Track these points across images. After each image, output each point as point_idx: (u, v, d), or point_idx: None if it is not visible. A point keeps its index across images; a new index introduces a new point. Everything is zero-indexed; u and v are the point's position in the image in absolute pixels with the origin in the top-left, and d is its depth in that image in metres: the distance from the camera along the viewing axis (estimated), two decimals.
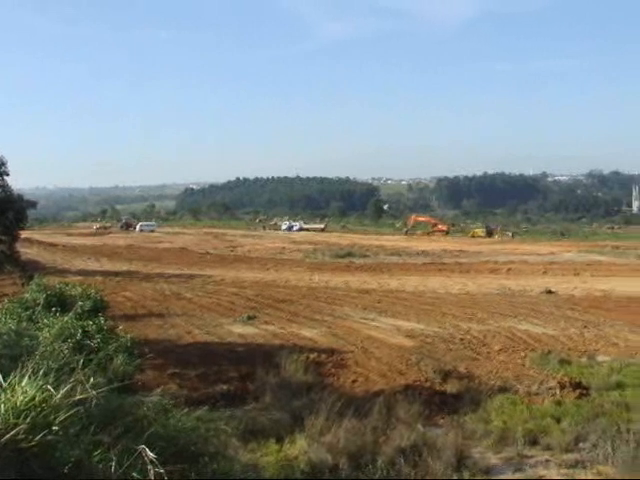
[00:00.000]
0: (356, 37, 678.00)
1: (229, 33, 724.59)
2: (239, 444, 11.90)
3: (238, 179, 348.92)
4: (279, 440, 13.19)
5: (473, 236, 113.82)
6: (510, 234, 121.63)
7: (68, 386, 4.59)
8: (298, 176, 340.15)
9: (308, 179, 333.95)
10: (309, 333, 25.47)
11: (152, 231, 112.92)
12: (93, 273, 44.49)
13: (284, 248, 75.54)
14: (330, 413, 13.90)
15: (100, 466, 4.50)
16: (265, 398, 16.01)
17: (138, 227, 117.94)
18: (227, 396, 16.47)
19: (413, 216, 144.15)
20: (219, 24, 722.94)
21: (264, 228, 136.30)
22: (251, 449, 12.44)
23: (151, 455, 4.49)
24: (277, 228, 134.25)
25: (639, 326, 27.98)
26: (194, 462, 5.79)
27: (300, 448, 12.62)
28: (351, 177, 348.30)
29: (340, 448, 12.33)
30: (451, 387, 18.15)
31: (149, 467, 4.46)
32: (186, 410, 6.67)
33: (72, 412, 4.40)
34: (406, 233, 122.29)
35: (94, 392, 4.86)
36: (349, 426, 13.23)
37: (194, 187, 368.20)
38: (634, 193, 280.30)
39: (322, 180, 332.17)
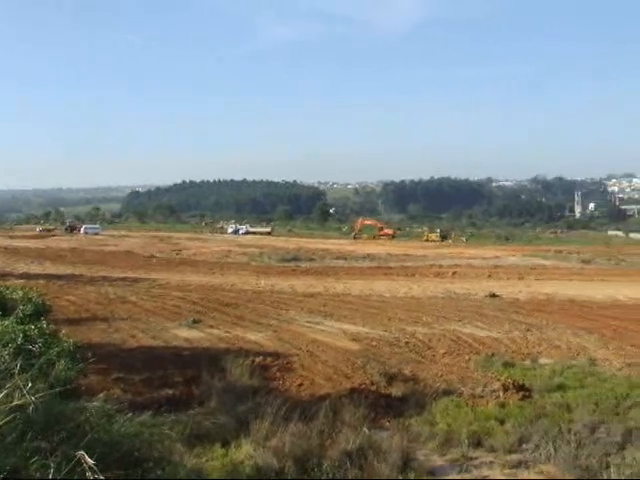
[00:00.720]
0: (303, 41, 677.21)
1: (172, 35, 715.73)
2: (184, 449, 11.79)
3: (184, 182, 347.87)
4: (225, 445, 13.10)
5: (427, 240, 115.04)
6: (464, 239, 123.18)
7: (4, 391, 4.49)
8: (245, 179, 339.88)
9: (255, 182, 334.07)
10: (255, 337, 25.38)
11: (97, 234, 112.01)
12: (36, 276, 43.79)
13: (230, 251, 75.39)
14: (276, 417, 13.85)
15: (38, 474, 4.40)
16: (210, 402, 15.88)
17: (82, 230, 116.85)
18: (172, 401, 16.30)
19: (360, 219, 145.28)
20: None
21: (218, 231, 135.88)
22: (196, 454, 12.32)
23: (90, 461, 4.41)
24: (223, 231, 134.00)
25: (581, 329, 28.43)
26: (137, 468, 5.71)
27: (246, 452, 12.54)
28: (298, 181, 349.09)
29: (286, 452, 12.27)
30: (396, 390, 18.21)
31: (88, 474, 4.37)
32: (130, 415, 6.59)
33: (9, 419, 4.29)
34: (354, 237, 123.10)
35: (33, 398, 4.76)
36: (295, 430, 13.18)
37: (140, 190, 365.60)
38: (577, 198, 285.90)
39: (269, 183, 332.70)
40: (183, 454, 11.47)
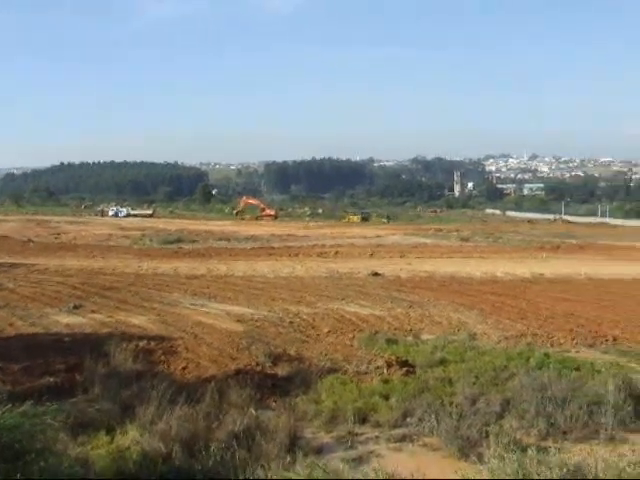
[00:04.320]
0: (185, 19, 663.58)
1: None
2: (68, 438, 11.59)
3: (62, 164, 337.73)
4: (110, 431, 12.88)
5: (349, 222, 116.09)
6: (386, 220, 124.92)
7: None
8: (125, 161, 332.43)
9: (136, 164, 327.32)
10: (138, 320, 25.01)
11: None
12: None
13: (111, 235, 74.07)
14: (161, 401, 13.71)
15: None
16: (94, 389, 15.55)
17: None
18: (54, 389, 15.87)
19: (244, 198, 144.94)
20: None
21: (99, 214, 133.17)
22: (81, 442, 12.10)
23: None
24: (104, 214, 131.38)
25: (461, 305, 29.23)
26: (18, 461, 5.53)
27: (132, 438, 12.36)
28: (179, 162, 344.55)
29: (173, 436, 12.17)
30: (282, 370, 18.29)
31: None
32: (9, 406, 6.40)
33: None
34: (236, 214, 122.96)
35: None
36: (181, 413, 13.09)
37: (15, 172, 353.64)
38: (456, 178, 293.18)
39: (150, 165, 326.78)
40: (67, 443, 11.27)
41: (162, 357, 19.70)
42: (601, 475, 9.95)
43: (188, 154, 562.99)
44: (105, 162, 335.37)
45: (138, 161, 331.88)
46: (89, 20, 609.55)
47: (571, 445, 12.94)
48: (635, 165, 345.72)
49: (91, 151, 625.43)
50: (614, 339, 22.94)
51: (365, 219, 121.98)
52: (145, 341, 21.14)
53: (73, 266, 42.31)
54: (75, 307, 27.32)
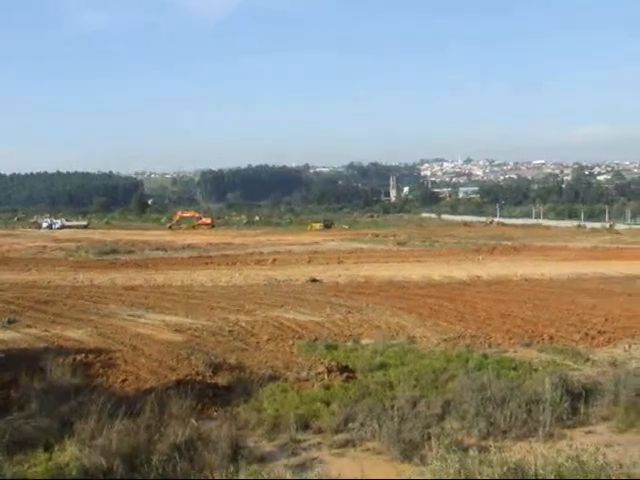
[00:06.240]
0: (118, 28, 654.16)
1: None
2: (3, 457, 11.36)
3: None
4: (48, 448, 12.65)
5: (311, 229, 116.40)
6: (347, 226, 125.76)
7: None
8: (58, 171, 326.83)
9: (69, 174, 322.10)
10: (75, 334, 24.62)
11: None
12: None
13: (46, 247, 73.06)
14: (101, 415, 13.53)
15: None
16: (31, 405, 15.25)
17: None
18: None
19: (179, 212, 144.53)
20: None
21: (32, 226, 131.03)
22: (17, 461, 11.87)
23: None
24: (38, 226, 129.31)
25: (399, 308, 29.41)
26: None
27: (71, 454, 12.17)
28: (114, 171, 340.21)
29: (113, 450, 12.01)
30: (222, 379, 18.20)
31: None
32: None
33: None
34: (170, 227, 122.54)
35: None
36: (121, 427, 12.92)
37: None
38: (391, 183, 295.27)
39: (84, 175, 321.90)
40: (2, 463, 11.05)
41: (101, 370, 19.43)
42: (540, 471, 10.10)
43: (123, 164, 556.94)
44: (38, 173, 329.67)
45: (72, 171, 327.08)
46: (19, 26, 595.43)
47: (511, 443, 13.14)
48: (566, 167, 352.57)
49: (22, 162, 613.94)
50: (550, 338, 23.32)
51: (327, 226, 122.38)
52: (83, 355, 20.81)
53: (7, 280, 41.46)
54: (9, 322, 26.77)
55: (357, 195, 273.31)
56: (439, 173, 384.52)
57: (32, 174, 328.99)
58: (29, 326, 26.29)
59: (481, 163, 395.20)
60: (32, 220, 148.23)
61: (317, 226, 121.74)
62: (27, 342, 23.45)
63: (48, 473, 11.29)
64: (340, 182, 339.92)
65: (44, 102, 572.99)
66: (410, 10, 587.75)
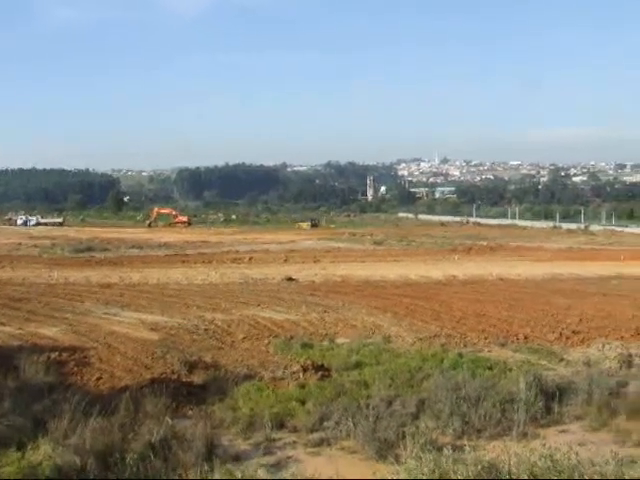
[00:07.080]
0: (91, 23, 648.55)
1: None
2: None
3: None
4: (21, 447, 12.54)
5: (299, 228, 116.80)
6: (333, 226, 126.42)
7: None
8: (34, 168, 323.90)
9: (45, 171, 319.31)
10: (49, 332, 24.45)
11: None
12: None
13: (20, 244, 72.60)
14: (75, 414, 13.43)
15: None
16: (4, 404, 15.11)
17: None
18: None
19: (156, 209, 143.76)
20: None
21: (7, 223, 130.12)
22: None
23: None
24: (12, 223, 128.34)
25: (375, 308, 29.47)
26: None
27: (44, 453, 12.07)
28: (90, 168, 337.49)
29: (87, 449, 11.93)
30: (198, 378, 18.16)
31: None
32: None
33: None
34: (149, 225, 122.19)
35: None
36: (95, 425, 12.84)
37: None
38: (369, 182, 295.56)
39: (60, 172, 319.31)
40: None
41: (75, 369, 19.32)
42: (514, 470, 10.15)
43: (99, 160, 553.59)
44: (13, 170, 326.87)
45: (48, 168, 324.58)
46: None
47: (485, 442, 13.20)
48: (542, 168, 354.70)
49: None
50: (525, 338, 23.46)
51: (314, 225, 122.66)
52: (57, 353, 20.68)
53: None
54: None
55: (334, 194, 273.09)
56: (416, 173, 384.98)
57: (7, 170, 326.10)
58: (3, 324, 26.07)
59: (458, 163, 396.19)
60: (6, 217, 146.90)
61: (305, 225, 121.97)
62: (1, 340, 23.27)
63: (21, 472, 11.19)
64: (317, 181, 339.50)
65: (17, 98, 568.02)
66: (370, 8, 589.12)
